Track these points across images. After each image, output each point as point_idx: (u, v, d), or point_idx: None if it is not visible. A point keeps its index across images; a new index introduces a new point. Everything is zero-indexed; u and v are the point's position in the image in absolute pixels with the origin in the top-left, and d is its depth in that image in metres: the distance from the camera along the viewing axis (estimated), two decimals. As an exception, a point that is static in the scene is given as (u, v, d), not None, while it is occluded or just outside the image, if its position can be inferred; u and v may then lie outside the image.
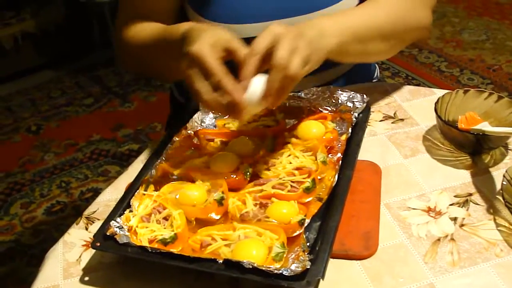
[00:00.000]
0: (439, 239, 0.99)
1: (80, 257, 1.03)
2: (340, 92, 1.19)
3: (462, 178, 1.10)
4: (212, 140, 1.18)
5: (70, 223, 1.12)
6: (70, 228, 1.09)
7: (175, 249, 0.93)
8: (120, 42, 1.32)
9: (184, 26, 1.08)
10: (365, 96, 1.17)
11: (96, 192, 2.72)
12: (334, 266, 0.94)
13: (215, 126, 1.21)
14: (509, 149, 1.16)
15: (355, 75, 1.45)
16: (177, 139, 1.14)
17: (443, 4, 4.01)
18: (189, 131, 1.17)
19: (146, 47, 1.23)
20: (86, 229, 1.08)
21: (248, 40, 1.26)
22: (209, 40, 0.96)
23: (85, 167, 2.91)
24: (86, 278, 0.98)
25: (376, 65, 1.60)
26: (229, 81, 0.94)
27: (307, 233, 0.94)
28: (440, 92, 1.32)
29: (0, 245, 2.50)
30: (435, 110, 1.14)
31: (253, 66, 0.95)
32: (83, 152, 3.01)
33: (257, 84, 0.97)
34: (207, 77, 0.95)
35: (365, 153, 1.15)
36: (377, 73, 1.59)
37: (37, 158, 3.02)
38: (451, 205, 1.05)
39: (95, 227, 1.07)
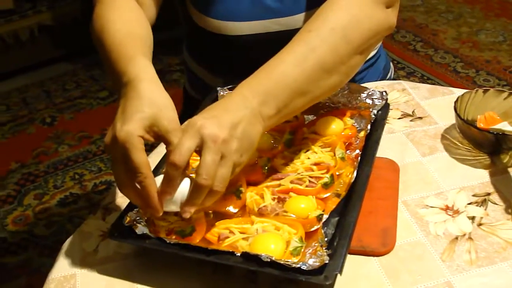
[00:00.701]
0: (456, 238, 0.98)
1: (97, 247, 1.03)
2: (359, 88, 1.19)
3: (480, 178, 1.10)
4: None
5: (83, 215, 1.13)
6: (87, 218, 1.10)
7: (192, 242, 0.93)
8: (91, 21, 1.16)
9: (133, 71, 0.96)
10: (384, 93, 1.17)
11: (110, 185, 2.73)
12: (351, 262, 0.94)
13: (233, 120, 1.21)
14: (528, 150, 1.15)
15: (369, 74, 1.45)
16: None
17: (460, 4, 3.99)
18: (207, 125, 1.17)
19: (103, 48, 1.07)
20: (103, 219, 1.09)
21: (243, 38, 1.29)
22: (142, 123, 0.89)
23: (99, 160, 2.91)
24: (103, 268, 0.99)
25: (391, 63, 1.60)
26: (152, 186, 0.89)
27: (325, 228, 0.94)
28: (458, 91, 1.32)
29: (13, 235, 2.51)
30: (455, 108, 1.14)
31: (177, 181, 0.90)
32: (97, 145, 3.02)
33: (181, 189, 0.91)
34: (129, 168, 0.88)
35: (383, 151, 1.14)
36: (392, 72, 1.59)
37: (51, 149, 3.03)
38: (469, 204, 1.05)
39: (112, 218, 1.08)
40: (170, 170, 0.88)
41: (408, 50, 3.55)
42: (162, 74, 3.52)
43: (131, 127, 0.87)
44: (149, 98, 0.91)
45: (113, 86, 1.04)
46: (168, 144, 0.90)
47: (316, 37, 0.99)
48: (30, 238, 2.50)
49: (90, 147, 3.01)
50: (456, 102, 1.15)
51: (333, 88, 1.04)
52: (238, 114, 0.91)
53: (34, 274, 2.32)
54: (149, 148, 1.00)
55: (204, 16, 1.29)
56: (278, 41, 1.21)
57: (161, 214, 0.92)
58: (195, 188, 0.88)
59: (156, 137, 0.91)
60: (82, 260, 1.01)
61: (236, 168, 0.91)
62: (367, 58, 1.41)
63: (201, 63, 1.48)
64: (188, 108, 1.61)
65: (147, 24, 1.15)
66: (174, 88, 3.39)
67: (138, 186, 0.90)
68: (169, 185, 0.90)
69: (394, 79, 1.57)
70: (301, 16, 1.25)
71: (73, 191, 2.72)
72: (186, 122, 0.91)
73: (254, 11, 1.26)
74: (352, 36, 1.01)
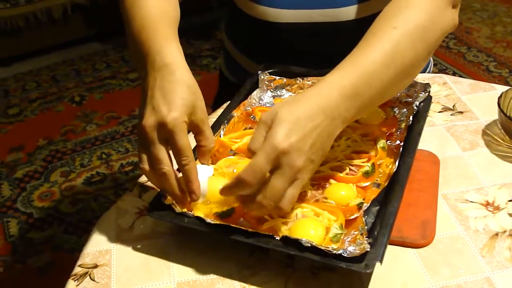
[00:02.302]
0: (497, 234, 0.97)
1: (133, 224, 1.03)
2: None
3: (522, 175, 1.09)
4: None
5: (108, 194, 1.13)
6: (123, 194, 1.10)
7: (231, 223, 0.92)
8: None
9: (168, 54, 0.95)
10: (427, 85, 1.15)
11: (136, 166, 2.73)
12: (389, 252, 0.92)
13: (273, 105, 1.21)
14: None
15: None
16: (235, 114, 1.14)
17: (496, 3, 3.94)
18: (247, 108, 1.17)
19: (133, 22, 1.04)
20: (140, 196, 1.09)
21: (285, 25, 1.28)
22: (186, 110, 0.90)
23: (126, 141, 2.92)
24: (139, 246, 0.99)
25: (431, 59, 1.58)
26: (194, 170, 0.91)
27: (365, 217, 0.93)
28: (500, 88, 1.30)
29: (39, 211, 2.53)
30: (498, 104, 1.12)
31: (236, 192, 0.89)
32: (125, 126, 3.03)
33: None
34: (173, 152, 0.91)
35: (423, 143, 1.13)
36: (431, 67, 1.57)
37: (79, 128, 3.05)
38: (510, 201, 1.03)
39: (148, 195, 1.08)
40: (236, 183, 0.87)
41: (441, 47, 3.51)
42: (193, 58, 3.52)
43: (177, 113, 0.89)
44: (188, 86, 0.92)
45: (135, 60, 1.03)
46: (199, 133, 0.94)
47: (402, 35, 0.95)
48: (55, 215, 2.52)
49: (118, 128, 3.02)
50: (500, 97, 1.14)
51: (401, 89, 1.02)
52: (321, 132, 0.87)
53: (58, 251, 2.34)
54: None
55: (248, 1, 1.28)
56: (320, 32, 1.20)
57: (196, 200, 0.93)
58: (256, 205, 0.87)
59: (190, 125, 0.92)
60: (117, 236, 1.01)
61: (305, 182, 0.89)
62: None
63: (240, 47, 1.47)
64: (224, 90, 1.61)
65: (176, 4, 1.14)
66: (204, 73, 3.40)
67: (178, 173, 0.92)
68: (227, 192, 0.90)
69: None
70: (348, 9, 1.23)
71: (99, 171, 2.74)
72: (268, 136, 0.86)
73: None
74: (429, 36, 0.98)
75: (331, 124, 0.88)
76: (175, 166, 0.92)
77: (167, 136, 0.89)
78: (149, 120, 0.90)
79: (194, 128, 0.93)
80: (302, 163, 0.85)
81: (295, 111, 0.87)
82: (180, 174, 0.93)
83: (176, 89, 0.91)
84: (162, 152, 0.90)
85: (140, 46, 0.99)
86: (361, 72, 0.92)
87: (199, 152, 0.96)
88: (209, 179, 0.94)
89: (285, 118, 0.86)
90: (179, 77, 0.92)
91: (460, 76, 3.23)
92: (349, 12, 1.23)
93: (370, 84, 0.92)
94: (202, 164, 0.96)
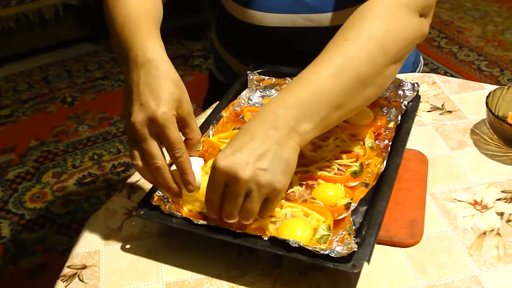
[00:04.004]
0: (484, 233, 0.98)
1: (121, 225, 1.03)
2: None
3: (509, 174, 1.09)
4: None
5: (100, 195, 1.13)
6: (112, 195, 1.10)
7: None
8: None
9: (152, 50, 0.95)
10: (416, 85, 1.16)
11: (128, 167, 2.73)
12: (377, 252, 0.93)
13: (262, 105, 1.21)
14: (559, 149, 1.14)
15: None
16: (224, 114, 1.14)
17: (487, 2, 3.95)
18: (236, 108, 1.17)
19: (117, 18, 1.04)
20: (129, 197, 1.09)
21: (270, 29, 1.28)
22: (174, 104, 0.91)
23: (118, 141, 2.92)
24: (127, 246, 0.99)
25: (421, 57, 1.59)
26: (188, 161, 0.92)
27: (353, 216, 0.93)
28: (489, 87, 1.30)
29: (31, 212, 2.53)
30: (486, 103, 1.13)
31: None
32: (117, 127, 3.02)
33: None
34: (166, 146, 0.91)
35: (412, 142, 1.13)
36: (421, 67, 1.57)
37: (71, 129, 3.04)
38: (498, 200, 1.04)
39: (137, 196, 1.08)
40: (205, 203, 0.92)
41: (432, 47, 3.52)
42: (185, 59, 3.52)
43: (166, 108, 0.89)
44: (173, 80, 0.93)
45: (119, 56, 1.03)
46: (186, 126, 0.94)
47: (353, 46, 0.95)
48: (47, 216, 2.51)
49: (110, 128, 3.02)
50: (488, 97, 1.14)
51: (368, 100, 1.00)
52: (264, 140, 0.88)
53: (50, 252, 2.34)
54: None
55: (235, 3, 1.28)
56: (304, 36, 1.20)
57: (192, 191, 0.94)
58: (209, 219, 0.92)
59: (177, 119, 0.92)
60: (106, 237, 1.01)
61: (276, 194, 0.89)
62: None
63: (228, 48, 1.47)
64: (213, 91, 1.62)
65: (159, 3, 1.14)
66: (196, 73, 3.39)
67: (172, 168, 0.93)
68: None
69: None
70: (330, 14, 1.23)
71: (91, 171, 2.73)
72: (212, 163, 0.89)
73: (287, 3, 1.25)
74: (389, 46, 0.97)
75: (275, 132, 0.89)
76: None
77: (158, 130, 0.90)
78: (139, 116, 0.90)
79: (180, 121, 0.93)
80: (248, 173, 0.85)
81: (238, 136, 0.91)
82: (173, 168, 0.94)
83: (162, 84, 0.91)
84: (154, 146, 0.91)
85: (122, 43, 1.00)
86: (304, 84, 0.93)
87: (187, 145, 0.96)
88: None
89: (228, 143, 0.91)
90: (163, 72, 0.93)
91: (452, 75, 3.24)
92: (331, 18, 1.23)
93: (318, 95, 0.92)
94: (191, 156, 0.96)
